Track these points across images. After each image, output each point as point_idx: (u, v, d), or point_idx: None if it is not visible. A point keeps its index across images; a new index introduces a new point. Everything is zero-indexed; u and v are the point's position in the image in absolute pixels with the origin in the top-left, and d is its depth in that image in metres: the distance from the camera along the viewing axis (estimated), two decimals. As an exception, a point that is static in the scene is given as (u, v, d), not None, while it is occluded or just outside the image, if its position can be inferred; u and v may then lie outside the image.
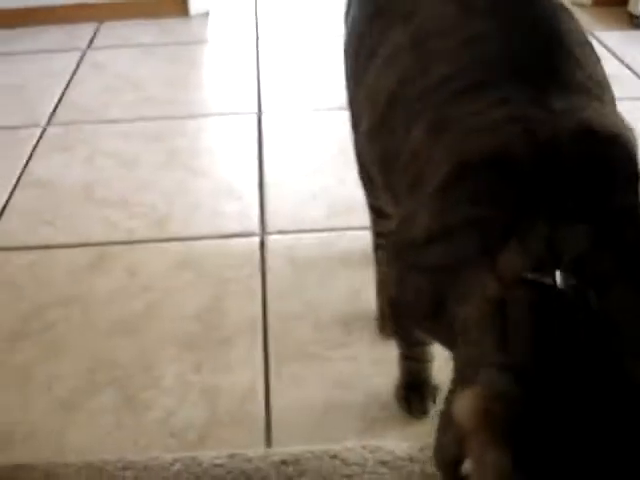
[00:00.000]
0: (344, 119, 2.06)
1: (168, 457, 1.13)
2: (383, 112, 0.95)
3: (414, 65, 0.89)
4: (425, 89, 0.86)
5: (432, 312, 0.81)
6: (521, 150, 0.74)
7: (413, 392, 1.19)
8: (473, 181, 0.77)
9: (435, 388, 1.19)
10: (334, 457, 1.11)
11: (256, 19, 2.76)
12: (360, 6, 1.10)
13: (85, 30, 2.70)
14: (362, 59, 1.03)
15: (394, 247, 0.91)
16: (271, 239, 1.60)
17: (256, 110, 2.12)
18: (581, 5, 2.73)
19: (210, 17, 2.77)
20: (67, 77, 2.36)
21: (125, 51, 2.55)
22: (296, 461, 1.11)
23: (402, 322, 1.05)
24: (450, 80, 0.84)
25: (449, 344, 0.82)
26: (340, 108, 2.13)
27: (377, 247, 1.32)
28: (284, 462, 1.11)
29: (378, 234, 1.31)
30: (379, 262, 1.32)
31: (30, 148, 1.97)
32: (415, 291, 0.84)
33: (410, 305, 0.87)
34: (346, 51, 1.16)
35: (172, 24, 2.72)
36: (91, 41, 2.62)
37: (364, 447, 1.12)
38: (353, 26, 1.12)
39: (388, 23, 0.97)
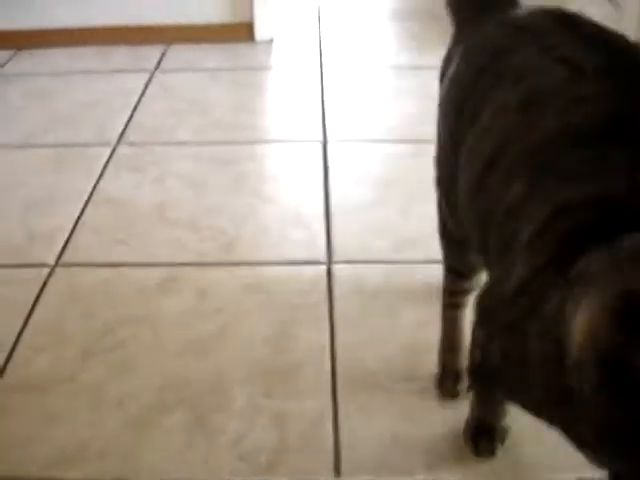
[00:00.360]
0: (407, 152, 2.10)
1: (240, 480, 1.15)
2: (483, 172, 0.95)
3: (519, 124, 0.90)
4: (528, 146, 0.87)
5: (520, 377, 0.80)
6: (623, 194, 0.75)
7: (482, 434, 1.19)
8: (572, 220, 0.78)
9: (504, 430, 1.19)
10: (405, 490, 1.12)
11: (320, 46, 2.80)
12: (462, 67, 1.09)
13: (153, 52, 2.76)
14: (463, 120, 1.03)
15: (483, 310, 0.91)
16: (338, 268, 1.62)
17: (321, 138, 2.15)
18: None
19: (275, 43, 2.82)
20: (136, 98, 2.42)
21: (192, 74, 2.61)
22: (367, 492, 1.12)
23: (485, 386, 1.05)
24: (555, 136, 0.85)
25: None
26: (403, 141, 2.17)
27: (448, 305, 1.30)
28: (355, 492, 1.12)
29: (452, 293, 1.29)
30: (446, 319, 1.31)
31: (101, 166, 2.02)
32: (503, 354, 0.83)
33: (496, 370, 0.86)
34: (442, 109, 1.16)
35: (237, 49, 2.77)
36: (159, 63, 2.68)
37: (434, 481, 1.12)
38: (452, 87, 1.11)
39: (494, 84, 0.98)
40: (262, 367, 1.37)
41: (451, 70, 1.13)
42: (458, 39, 1.18)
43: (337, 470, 1.18)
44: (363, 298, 1.54)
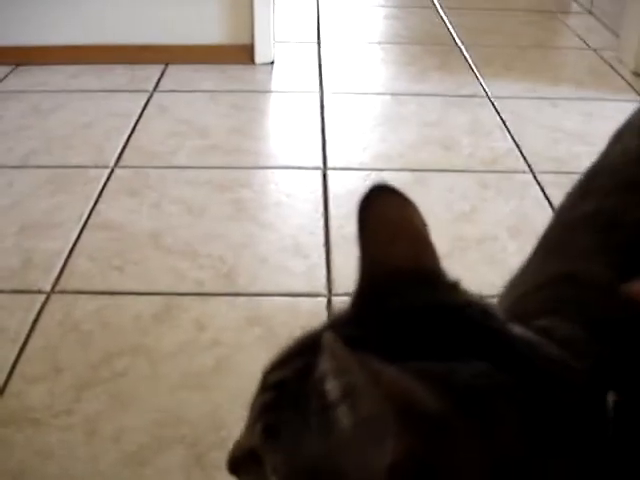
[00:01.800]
0: (407, 179, 2.09)
1: (239, 524, 1.12)
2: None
3: (573, 198, 0.83)
4: (565, 221, 0.81)
5: None
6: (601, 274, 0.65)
7: None
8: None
9: None
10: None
11: (320, 70, 2.80)
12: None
13: (151, 72, 2.75)
14: None
15: None
16: (338, 300, 1.60)
17: (321, 165, 2.14)
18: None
19: (275, 66, 2.82)
20: (133, 119, 2.40)
21: (191, 95, 2.59)
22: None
23: None
24: (587, 216, 0.76)
25: None
26: (403, 169, 2.17)
27: None
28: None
29: None
30: None
31: (99, 189, 2.00)
32: None
33: None
34: None
35: (237, 71, 2.76)
36: (157, 83, 2.67)
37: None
38: None
39: None
40: (261, 403, 1.35)
41: None
42: None
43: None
44: (363, 332, 1.52)
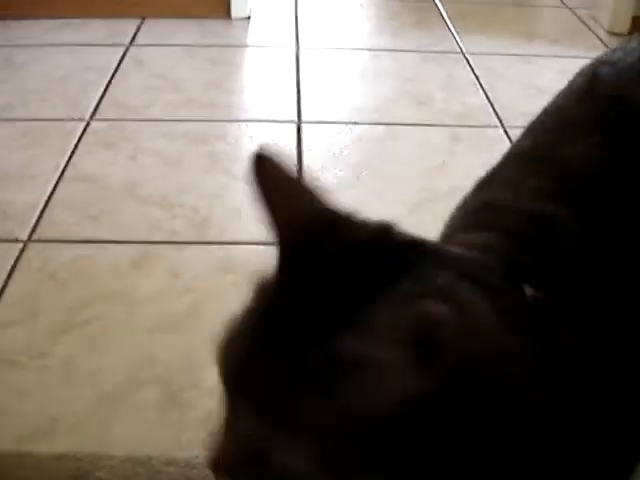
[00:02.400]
0: (382, 134, 2.12)
1: (210, 456, 1.17)
2: None
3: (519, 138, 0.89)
4: (504, 157, 0.86)
5: None
6: None
7: None
8: None
9: None
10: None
11: (297, 25, 2.80)
12: None
13: (128, 26, 2.74)
14: None
15: None
16: (310, 248, 1.64)
17: (296, 119, 2.16)
18: (620, 35, 2.78)
19: (251, 21, 2.82)
20: (109, 72, 2.40)
21: (167, 50, 2.60)
22: None
23: None
24: (524, 151, 0.83)
25: None
26: (378, 123, 2.19)
27: None
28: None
29: None
30: None
31: (74, 142, 2.02)
32: None
33: None
34: None
35: (213, 26, 2.76)
36: (134, 37, 2.66)
37: None
38: None
39: None
40: (233, 346, 1.39)
41: None
42: None
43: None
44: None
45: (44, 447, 1.20)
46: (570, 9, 3.15)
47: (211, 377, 1.32)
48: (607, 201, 0.61)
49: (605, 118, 0.77)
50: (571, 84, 0.88)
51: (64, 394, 1.30)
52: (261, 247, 1.65)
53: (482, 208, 0.73)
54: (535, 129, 0.84)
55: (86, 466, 1.16)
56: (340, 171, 1.93)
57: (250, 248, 1.64)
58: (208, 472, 1.14)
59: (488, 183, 0.78)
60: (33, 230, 1.67)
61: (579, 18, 3.05)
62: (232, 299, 1.51)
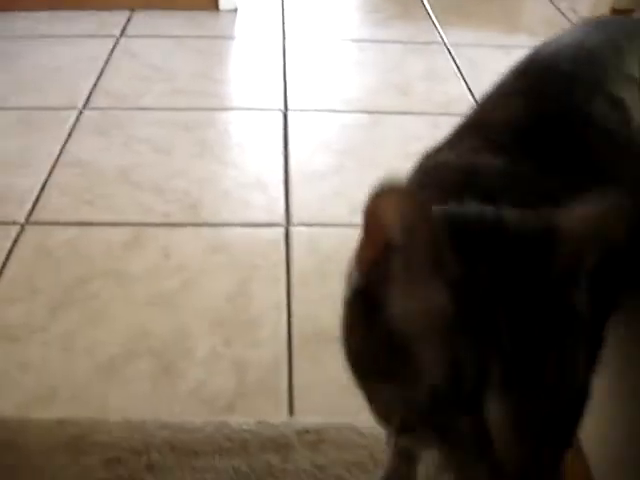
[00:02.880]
0: (365, 122, 2.20)
1: (200, 420, 1.26)
2: None
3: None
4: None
5: None
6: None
7: None
8: None
9: None
10: (351, 428, 1.24)
11: (283, 17, 2.88)
12: None
13: (118, 18, 2.81)
14: None
15: None
16: (295, 230, 1.72)
17: (282, 107, 2.24)
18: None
19: (239, 13, 2.89)
20: (101, 63, 2.47)
21: (157, 41, 2.66)
22: (317, 430, 1.23)
23: None
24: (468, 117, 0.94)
25: None
26: (362, 111, 2.27)
27: None
28: (306, 430, 1.23)
29: None
30: None
31: (68, 130, 2.09)
32: None
33: None
34: None
35: (202, 17, 2.83)
36: (124, 29, 2.73)
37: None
38: None
39: None
40: (222, 320, 1.48)
41: None
42: None
43: (290, 411, 1.30)
44: (319, 259, 1.65)
45: (45, 414, 1.28)
46: (551, 1, 3.24)
47: (201, 348, 1.41)
48: (525, 150, 0.70)
49: (531, 87, 0.89)
50: (516, 63, 0.98)
51: (63, 366, 1.38)
52: (250, 229, 1.73)
53: (428, 168, 0.82)
54: (480, 102, 0.95)
55: (85, 430, 1.24)
56: (324, 156, 2.01)
57: (238, 229, 1.72)
58: (197, 436, 1.23)
59: (437, 149, 0.87)
60: (30, 213, 1.75)
61: (559, 10, 3.14)
62: (221, 277, 1.61)
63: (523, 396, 0.56)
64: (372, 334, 0.62)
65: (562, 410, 0.58)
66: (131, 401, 1.31)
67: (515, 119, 0.83)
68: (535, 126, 0.80)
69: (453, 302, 0.57)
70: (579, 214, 0.58)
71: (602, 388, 1.07)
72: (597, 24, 1.02)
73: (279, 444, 1.22)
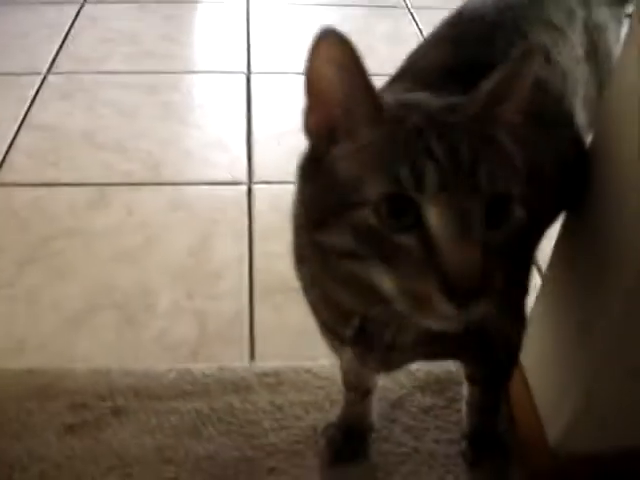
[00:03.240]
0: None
1: (164, 367, 1.30)
2: None
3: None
4: None
5: None
6: None
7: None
8: None
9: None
10: (308, 371, 1.29)
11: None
12: None
13: (82, -16, 2.80)
14: None
15: None
16: (257, 188, 1.76)
17: (245, 70, 2.27)
18: None
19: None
20: (65, 29, 2.48)
21: (121, 6, 2.67)
22: (276, 373, 1.29)
23: None
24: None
25: None
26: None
27: None
28: (266, 374, 1.29)
29: None
30: None
31: (32, 94, 2.10)
32: None
33: None
34: None
35: (166, -17, 2.84)
36: (88, -5, 2.73)
37: (334, 365, 1.29)
38: None
39: None
40: (185, 274, 1.52)
41: None
42: None
43: (252, 356, 1.35)
44: (280, 215, 1.67)
45: (13, 364, 1.32)
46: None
47: (164, 301, 1.45)
48: (448, 87, 0.74)
49: (458, 36, 0.95)
50: (447, 17, 1.03)
51: (30, 319, 1.42)
52: (212, 187, 1.77)
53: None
54: (414, 51, 1.00)
55: (52, 378, 1.28)
56: (286, 118, 2.04)
57: (199, 188, 1.76)
58: (161, 381, 1.27)
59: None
60: (-5, 175, 1.78)
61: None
62: (182, 233, 1.65)
63: (457, 200, 0.62)
64: (320, 181, 0.69)
65: (502, 234, 0.64)
66: (96, 351, 1.36)
67: (442, 62, 0.90)
68: (459, 67, 0.86)
69: (389, 136, 0.65)
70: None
71: (539, 322, 1.14)
72: None
73: (240, 387, 1.27)
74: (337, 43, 0.66)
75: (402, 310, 0.64)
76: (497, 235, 0.64)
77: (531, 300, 1.12)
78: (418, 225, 0.62)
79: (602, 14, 1.08)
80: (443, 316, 0.61)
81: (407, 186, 0.62)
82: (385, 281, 0.63)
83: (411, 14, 2.72)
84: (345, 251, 0.65)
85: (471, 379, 1.12)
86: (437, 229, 0.61)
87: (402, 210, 0.62)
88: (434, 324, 0.63)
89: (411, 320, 0.65)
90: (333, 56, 0.67)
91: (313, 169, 0.71)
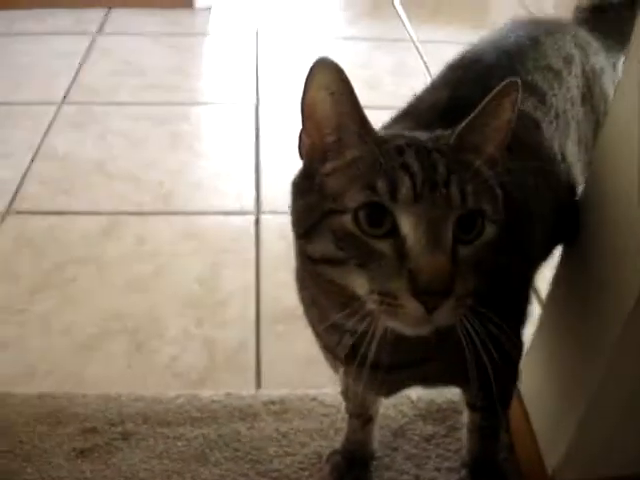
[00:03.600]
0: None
1: (173, 393, 1.34)
2: None
3: None
4: None
5: None
6: None
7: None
8: None
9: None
10: (314, 399, 1.32)
11: (256, 15, 2.95)
12: None
13: (94, 15, 2.87)
14: None
15: None
16: (265, 218, 1.81)
17: (254, 101, 2.32)
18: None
19: (213, 11, 2.96)
20: (78, 60, 2.54)
21: (132, 38, 2.73)
22: (282, 401, 1.32)
23: None
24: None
25: None
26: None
27: None
28: (272, 401, 1.32)
29: None
30: None
31: (47, 123, 2.16)
32: None
33: None
34: None
35: (177, 15, 2.91)
36: (101, 26, 2.80)
37: (338, 393, 1.32)
38: None
39: None
40: (194, 302, 1.56)
41: None
42: None
43: (258, 384, 1.38)
44: (287, 245, 1.71)
45: (25, 389, 1.35)
46: (517, -1, 3.34)
47: (174, 328, 1.49)
48: (444, 126, 0.79)
49: (456, 78, 1.00)
50: (450, 61, 1.08)
51: (42, 344, 1.46)
52: (221, 216, 1.81)
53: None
54: (416, 94, 1.05)
55: (63, 403, 1.32)
56: (294, 149, 2.08)
57: (209, 218, 1.81)
58: (169, 407, 1.31)
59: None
60: (10, 203, 1.82)
61: (525, 7, 3.24)
62: (192, 262, 1.69)
63: (429, 211, 0.67)
64: (310, 197, 0.74)
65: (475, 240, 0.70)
66: (107, 376, 1.39)
67: (439, 104, 0.95)
68: (454, 106, 0.90)
69: (373, 153, 0.70)
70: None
71: (538, 352, 1.17)
72: (520, 24, 1.13)
73: (246, 414, 1.30)
74: (330, 71, 0.72)
75: (373, 310, 0.68)
76: (469, 247, 0.69)
77: (531, 330, 1.16)
78: (393, 233, 0.68)
79: (600, 59, 1.13)
80: (411, 317, 0.66)
81: (383, 196, 0.68)
82: (360, 284, 0.69)
83: (416, 48, 2.78)
84: (326, 257, 0.71)
85: (471, 406, 1.15)
86: (409, 237, 0.67)
87: (378, 218, 0.68)
88: (404, 327, 0.68)
89: (385, 325, 0.69)
90: (326, 83, 0.72)
91: (305, 186, 0.76)
